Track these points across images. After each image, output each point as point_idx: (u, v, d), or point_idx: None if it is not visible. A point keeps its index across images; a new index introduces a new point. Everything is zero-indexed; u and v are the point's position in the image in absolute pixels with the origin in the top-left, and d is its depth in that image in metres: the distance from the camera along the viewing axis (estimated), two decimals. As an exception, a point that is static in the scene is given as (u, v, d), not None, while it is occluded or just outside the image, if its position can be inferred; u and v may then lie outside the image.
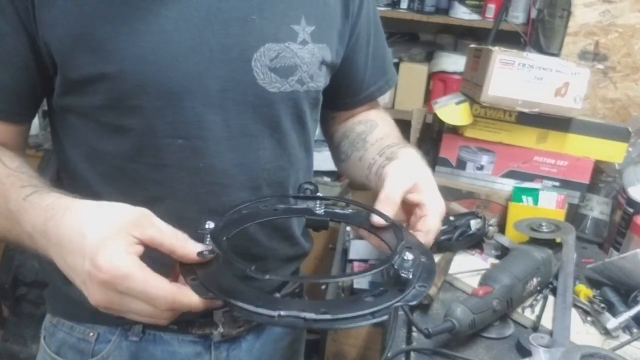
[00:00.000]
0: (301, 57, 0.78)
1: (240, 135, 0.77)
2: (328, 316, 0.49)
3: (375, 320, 0.51)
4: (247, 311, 0.51)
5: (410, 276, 0.55)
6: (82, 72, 0.70)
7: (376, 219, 0.67)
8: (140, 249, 0.55)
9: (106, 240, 0.53)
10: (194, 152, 0.75)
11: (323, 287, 1.79)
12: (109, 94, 0.71)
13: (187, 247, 0.55)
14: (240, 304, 0.51)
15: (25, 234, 0.62)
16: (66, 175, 0.83)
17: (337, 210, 0.72)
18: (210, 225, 0.57)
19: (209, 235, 0.56)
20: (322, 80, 0.84)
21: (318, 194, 0.73)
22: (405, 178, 0.72)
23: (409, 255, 0.57)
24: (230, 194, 0.78)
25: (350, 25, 0.87)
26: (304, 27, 0.78)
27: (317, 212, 0.70)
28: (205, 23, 0.72)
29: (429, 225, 0.69)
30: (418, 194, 0.72)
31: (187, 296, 0.54)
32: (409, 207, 0.74)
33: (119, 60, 0.69)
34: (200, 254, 0.55)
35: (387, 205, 0.69)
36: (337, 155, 1.00)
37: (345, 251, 1.37)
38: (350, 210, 0.72)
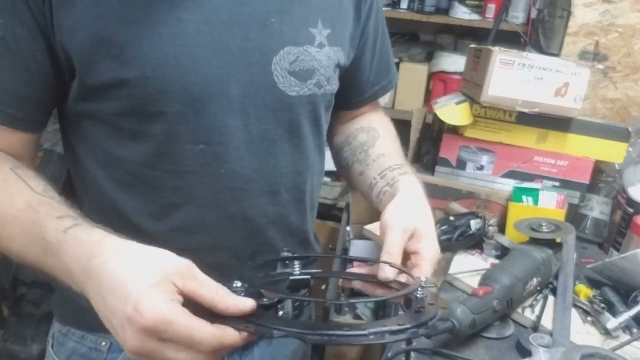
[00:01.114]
0: (319, 60, 0.78)
1: (260, 140, 0.76)
2: (408, 325, 0.55)
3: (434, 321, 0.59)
4: (342, 336, 0.55)
5: (425, 296, 0.62)
6: (102, 77, 0.69)
7: (383, 274, 0.69)
8: (180, 299, 0.55)
9: (150, 288, 0.53)
10: (215, 157, 0.74)
11: (323, 287, 1.80)
12: (129, 100, 0.70)
13: (227, 301, 0.55)
14: (334, 332, 0.55)
15: (61, 265, 0.60)
16: (78, 180, 0.81)
17: (312, 270, 0.75)
18: (237, 283, 0.60)
19: (243, 292, 0.59)
20: (336, 82, 0.84)
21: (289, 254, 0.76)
22: (405, 228, 0.73)
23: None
24: (250, 199, 0.78)
25: (361, 27, 0.87)
26: (321, 30, 0.78)
27: (296, 273, 0.71)
28: (226, 27, 0.71)
29: (421, 273, 0.70)
30: (415, 242, 0.73)
31: (230, 335, 0.54)
32: (405, 254, 0.74)
33: (141, 66, 0.68)
34: (259, 300, 0.57)
35: (391, 259, 0.70)
36: (338, 160, 1.00)
37: (345, 251, 1.37)
38: (321, 270, 0.80)
